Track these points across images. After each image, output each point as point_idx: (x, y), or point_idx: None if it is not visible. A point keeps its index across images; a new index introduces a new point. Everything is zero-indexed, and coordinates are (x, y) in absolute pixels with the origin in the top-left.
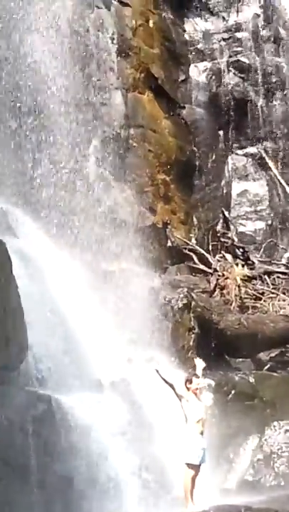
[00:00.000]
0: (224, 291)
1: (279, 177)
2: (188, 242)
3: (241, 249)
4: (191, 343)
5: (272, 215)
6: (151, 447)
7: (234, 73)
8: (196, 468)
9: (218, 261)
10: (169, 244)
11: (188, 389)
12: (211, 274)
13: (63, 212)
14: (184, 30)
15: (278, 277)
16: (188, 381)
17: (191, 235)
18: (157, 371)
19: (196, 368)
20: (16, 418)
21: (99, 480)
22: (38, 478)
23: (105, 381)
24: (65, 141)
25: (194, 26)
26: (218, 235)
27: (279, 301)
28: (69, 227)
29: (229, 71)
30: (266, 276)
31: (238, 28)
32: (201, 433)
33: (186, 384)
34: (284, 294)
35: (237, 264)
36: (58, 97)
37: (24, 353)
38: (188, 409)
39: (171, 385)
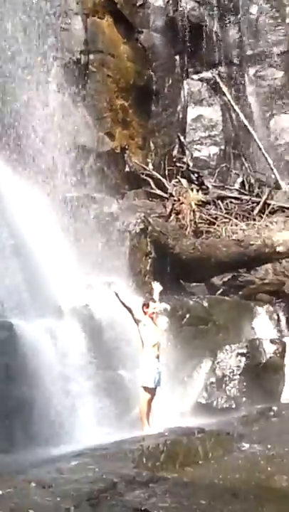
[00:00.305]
0: (179, 216)
1: (232, 102)
2: (145, 167)
3: (196, 174)
4: (147, 268)
5: (225, 140)
6: (110, 372)
7: None
8: (152, 391)
9: (174, 186)
10: (127, 169)
11: (145, 313)
12: (167, 199)
13: (23, 139)
14: None
15: (231, 202)
16: (146, 305)
17: (148, 160)
18: (116, 294)
19: (154, 292)
20: None
21: (59, 404)
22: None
23: (65, 307)
24: (25, 66)
25: None
26: (174, 160)
27: (232, 225)
28: (28, 153)
29: None
30: (219, 201)
31: None
32: (157, 357)
33: (143, 308)
34: (236, 218)
35: (192, 189)
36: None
37: None
38: (145, 334)
39: (129, 309)
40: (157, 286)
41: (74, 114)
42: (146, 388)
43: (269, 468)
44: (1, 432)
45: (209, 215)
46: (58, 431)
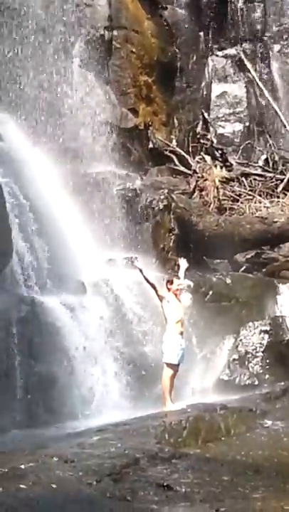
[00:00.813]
0: (203, 193)
1: (257, 79)
2: (169, 143)
3: (220, 151)
4: (170, 244)
5: (250, 117)
6: (134, 347)
7: None
8: (175, 367)
9: (198, 162)
10: (151, 145)
11: (168, 290)
12: (191, 176)
13: (47, 115)
14: None
15: (255, 179)
16: (170, 282)
17: (171, 136)
18: (140, 270)
19: (180, 269)
20: (0, 320)
21: (81, 380)
22: (21, 379)
23: (88, 283)
24: (50, 41)
25: None
26: (198, 136)
27: (255, 203)
28: (52, 130)
29: None
30: (243, 178)
31: None
32: (181, 333)
33: (167, 285)
34: (260, 196)
35: (216, 166)
36: None
37: (9, 256)
38: (169, 310)
39: (152, 286)
40: (184, 263)
41: (97, 90)
42: (169, 365)
43: None
44: (23, 408)
45: (233, 192)
46: (79, 406)
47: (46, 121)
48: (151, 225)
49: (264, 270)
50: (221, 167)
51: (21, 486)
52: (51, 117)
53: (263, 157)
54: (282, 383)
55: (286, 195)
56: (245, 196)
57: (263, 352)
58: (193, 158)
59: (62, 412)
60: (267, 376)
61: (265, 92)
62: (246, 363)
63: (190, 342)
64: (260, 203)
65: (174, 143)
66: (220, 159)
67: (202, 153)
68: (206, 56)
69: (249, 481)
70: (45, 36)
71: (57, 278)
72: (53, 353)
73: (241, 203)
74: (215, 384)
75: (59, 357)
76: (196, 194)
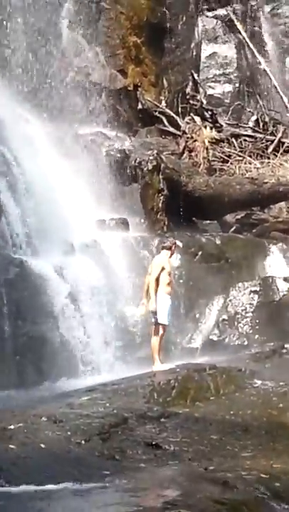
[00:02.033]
0: (193, 154)
1: (247, 40)
2: (158, 104)
3: (210, 112)
4: (160, 205)
5: (240, 78)
6: (122, 308)
7: None
8: (165, 328)
9: (187, 123)
10: (140, 106)
11: (170, 255)
12: (180, 137)
13: (36, 76)
14: None
15: (245, 140)
16: (170, 248)
17: (161, 97)
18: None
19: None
20: None
21: (69, 341)
22: (11, 341)
23: (76, 244)
24: (38, 4)
25: None
26: (188, 97)
27: (245, 163)
28: (42, 91)
29: None
30: (233, 139)
31: None
32: (169, 294)
33: (170, 250)
34: (250, 157)
35: (205, 127)
36: None
37: None
38: (163, 274)
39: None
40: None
41: (86, 51)
42: (160, 325)
43: (281, 405)
44: (12, 368)
45: (223, 153)
46: (68, 367)
47: (35, 83)
48: (141, 185)
49: (254, 231)
50: (211, 128)
51: (10, 446)
52: (40, 79)
53: (253, 118)
54: (272, 343)
55: (276, 156)
56: (235, 157)
57: (252, 312)
58: (183, 119)
59: (51, 372)
60: (256, 336)
61: (256, 53)
62: (236, 323)
63: (179, 302)
64: (250, 163)
65: (164, 104)
66: (210, 120)
67: (192, 114)
68: (195, 17)
69: (238, 440)
70: None
71: (46, 239)
72: (42, 314)
73: (231, 163)
74: (204, 344)
75: (48, 318)
76: (185, 155)
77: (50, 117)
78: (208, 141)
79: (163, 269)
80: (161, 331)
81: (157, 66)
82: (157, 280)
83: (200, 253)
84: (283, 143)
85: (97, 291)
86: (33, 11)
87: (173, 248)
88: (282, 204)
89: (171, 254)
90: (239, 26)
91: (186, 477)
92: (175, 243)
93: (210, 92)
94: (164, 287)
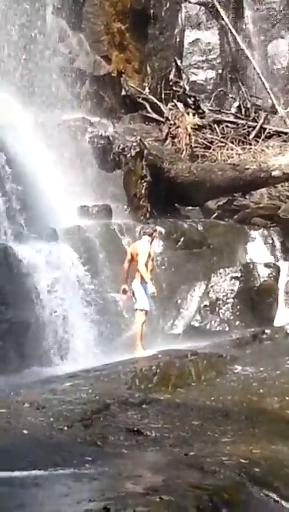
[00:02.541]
0: (175, 140)
1: (230, 26)
2: (141, 91)
3: (192, 98)
4: (142, 192)
5: (222, 64)
6: (105, 294)
7: None
8: (145, 313)
9: (170, 110)
10: (124, 93)
11: (151, 242)
12: (163, 123)
13: (20, 62)
14: None
15: (227, 126)
16: (150, 235)
17: (144, 83)
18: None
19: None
20: None
21: (53, 326)
22: None
23: (60, 230)
24: None
25: None
26: (171, 83)
27: (227, 150)
28: (25, 77)
29: None
30: (216, 126)
31: None
32: (151, 279)
33: (150, 237)
34: (232, 143)
35: (188, 113)
36: None
37: None
38: (146, 260)
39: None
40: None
41: (70, 37)
42: (142, 311)
43: (261, 391)
44: None
45: (205, 139)
46: (51, 353)
47: (19, 69)
48: (124, 172)
49: (235, 217)
50: (194, 114)
51: None
52: (24, 65)
53: (236, 104)
54: (252, 329)
55: (258, 142)
56: (217, 143)
57: (233, 298)
58: (166, 105)
59: (34, 358)
60: (237, 322)
61: (239, 39)
62: (217, 309)
63: (161, 288)
64: (232, 150)
65: (147, 90)
66: (192, 106)
67: (175, 100)
68: (179, 3)
69: (218, 425)
70: None
71: (29, 226)
72: (25, 299)
73: (213, 150)
74: (186, 330)
75: (31, 304)
76: (168, 141)
77: (33, 103)
78: (191, 128)
79: (149, 255)
80: (144, 317)
81: (141, 52)
82: (146, 266)
83: (182, 239)
84: (265, 129)
85: (80, 278)
86: None
87: (153, 235)
88: (264, 190)
89: (152, 241)
90: (222, 12)
91: (167, 463)
92: (156, 230)
93: (193, 78)
94: (146, 273)
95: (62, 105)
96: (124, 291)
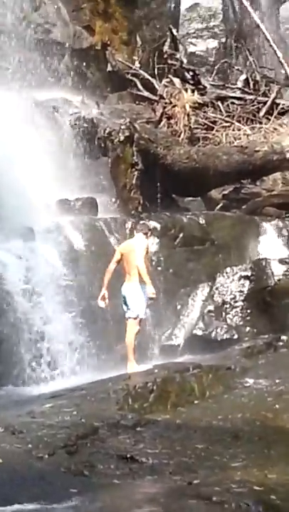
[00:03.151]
0: (172, 121)
1: None
2: (130, 65)
3: (191, 72)
4: (133, 182)
5: (226, 32)
6: (89, 300)
7: None
8: (140, 322)
9: (165, 86)
10: (110, 68)
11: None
12: (157, 102)
13: None
14: None
15: (233, 103)
16: (146, 233)
17: (134, 57)
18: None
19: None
20: None
21: (30, 339)
22: None
23: (37, 229)
24: None
25: None
26: (165, 56)
27: (233, 130)
28: None
29: None
30: (219, 103)
31: None
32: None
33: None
34: (239, 122)
35: (186, 90)
36: None
37: None
38: (143, 262)
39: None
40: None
41: (46, 5)
42: (135, 319)
43: (277, 406)
44: None
45: (207, 118)
46: (29, 369)
47: None
48: (111, 159)
49: (244, 207)
50: (193, 91)
51: None
52: None
53: (243, 77)
54: (266, 336)
55: (269, 120)
56: (221, 123)
57: (243, 301)
58: (160, 81)
59: (8, 376)
60: (248, 329)
61: (245, 2)
62: (223, 314)
63: (157, 293)
64: (239, 130)
65: (137, 64)
66: (191, 82)
67: (170, 75)
68: None
69: (227, 448)
70: None
71: (1, 224)
72: None
73: (217, 131)
74: (187, 340)
75: (4, 313)
76: (163, 123)
77: (4, 81)
78: (190, 106)
79: (147, 252)
80: (137, 327)
81: (129, 21)
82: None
83: (181, 235)
84: (278, 104)
85: (62, 283)
86: None
87: (148, 235)
88: (277, 175)
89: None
90: None
91: (166, 494)
92: (150, 229)
93: (191, 49)
94: (137, 276)
95: (38, 83)
96: (104, 298)
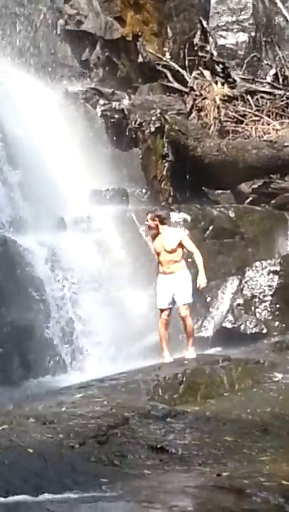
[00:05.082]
0: (202, 113)
1: None
2: (161, 57)
3: (221, 65)
4: (164, 173)
5: (255, 25)
6: (120, 291)
7: None
8: (163, 312)
9: (196, 78)
10: (140, 59)
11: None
12: (187, 94)
13: (22, 28)
14: None
15: (262, 97)
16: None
17: (164, 49)
18: None
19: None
20: None
21: (61, 330)
22: None
23: (68, 219)
24: None
25: None
26: (196, 48)
27: (263, 124)
28: (27, 42)
29: None
30: (249, 97)
31: None
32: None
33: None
34: (268, 116)
35: (216, 82)
36: None
37: None
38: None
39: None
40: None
41: None
42: (186, 305)
43: None
44: None
45: (236, 112)
46: (60, 360)
47: (20, 33)
48: (142, 150)
49: (273, 202)
50: (223, 83)
51: None
52: (25, 30)
53: (272, 72)
54: None
55: None
56: (250, 117)
57: (271, 295)
58: (190, 73)
59: (39, 366)
60: (276, 323)
61: None
62: (252, 308)
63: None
64: (268, 124)
65: (168, 56)
66: (221, 75)
67: (200, 67)
68: None
69: (256, 441)
70: None
71: (33, 214)
72: (28, 299)
73: (246, 124)
74: (216, 332)
75: (35, 304)
76: (193, 115)
77: (37, 73)
78: (220, 99)
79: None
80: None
81: (160, 12)
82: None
83: (211, 228)
84: None
85: (93, 274)
86: None
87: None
88: None
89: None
90: None
91: (196, 485)
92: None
93: (221, 42)
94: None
95: (69, 74)
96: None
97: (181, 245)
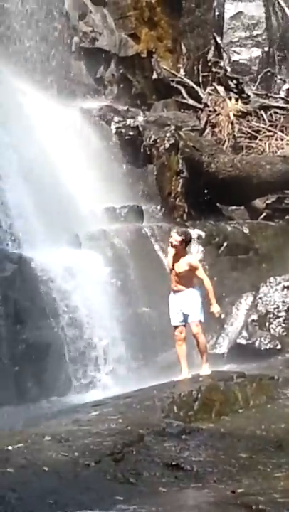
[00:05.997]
0: (216, 129)
1: None
2: (175, 73)
3: (235, 81)
4: (178, 189)
5: (269, 41)
6: (136, 308)
7: None
8: (176, 329)
9: (210, 94)
10: (155, 76)
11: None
12: (202, 110)
13: (36, 43)
14: None
15: (276, 113)
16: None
17: (179, 65)
18: None
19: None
20: None
21: (76, 348)
22: (8, 349)
23: (83, 236)
24: None
25: None
26: (210, 64)
27: (277, 140)
28: (42, 60)
29: None
30: (262, 112)
31: None
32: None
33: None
34: (282, 132)
35: (230, 98)
36: None
37: None
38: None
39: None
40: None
41: (93, 13)
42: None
43: None
44: (10, 381)
45: (250, 127)
46: (75, 378)
47: (35, 51)
48: (156, 167)
49: (287, 217)
50: (237, 99)
51: (8, 470)
52: (40, 46)
53: (285, 87)
54: None
55: None
56: (264, 132)
57: (286, 311)
58: (204, 89)
59: (54, 384)
60: None
61: (287, 11)
62: (267, 324)
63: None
64: (282, 139)
65: (182, 72)
66: (235, 90)
67: (214, 83)
68: None
69: (270, 458)
70: None
71: (47, 231)
72: (44, 317)
73: (260, 140)
74: (231, 349)
75: (50, 322)
76: (207, 131)
77: (51, 90)
78: (234, 115)
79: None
80: (196, 329)
81: (174, 29)
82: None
83: (225, 244)
84: None
85: (108, 291)
86: None
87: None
88: None
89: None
90: None
91: (211, 502)
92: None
93: (235, 57)
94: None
95: (84, 92)
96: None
97: (191, 270)
